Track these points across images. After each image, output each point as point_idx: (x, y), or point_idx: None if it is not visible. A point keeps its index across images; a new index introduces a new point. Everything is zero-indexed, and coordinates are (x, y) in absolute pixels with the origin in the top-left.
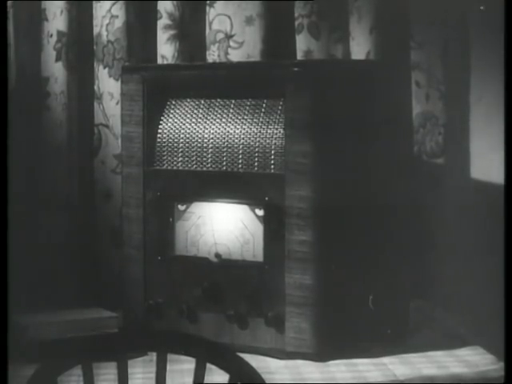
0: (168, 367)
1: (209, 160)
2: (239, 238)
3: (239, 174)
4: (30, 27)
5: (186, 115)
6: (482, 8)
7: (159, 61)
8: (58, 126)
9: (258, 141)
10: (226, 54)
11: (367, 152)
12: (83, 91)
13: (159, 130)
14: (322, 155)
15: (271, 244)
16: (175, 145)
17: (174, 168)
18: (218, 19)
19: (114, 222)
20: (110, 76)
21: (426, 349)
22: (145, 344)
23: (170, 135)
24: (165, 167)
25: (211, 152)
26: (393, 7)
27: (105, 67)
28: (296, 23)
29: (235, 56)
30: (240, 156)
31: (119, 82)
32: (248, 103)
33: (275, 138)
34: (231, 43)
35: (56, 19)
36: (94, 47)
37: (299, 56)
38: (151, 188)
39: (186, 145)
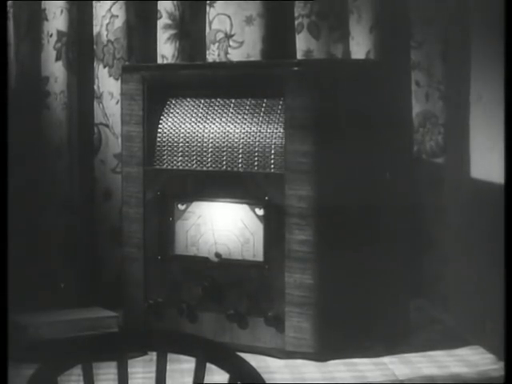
0: (168, 367)
1: (209, 159)
2: (239, 237)
3: (239, 174)
4: (30, 27)
5: (185, 115)
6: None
7: (159, 60)
8: (57, 125)
9: (258, 140)
10: (226, 53)
11: (367, 151)
12: (83, 91)
13: (159, 130)
14: (321, 154)
15: (271, 243)
16: (175, 144)
17: (174, 167)
18: (217, 19)
19: (113, 222)
20: (110, 75)
21: (426, 348)
22: (145, 344)
23: (170, 135)
24: (165, 167)
25: (211, 151)
26: (393, 7)
27: (105, 67)
28: (296, 23)
29: (235, 55)
30: (240, 155)
31: (119, 82)
32: (248, 102)
33: (275, 138)
34: (231, 43)
35: (56, 19)
36: (94, 47)
37: (299, 55)
38: (151, 187)
39: (186, 144)
